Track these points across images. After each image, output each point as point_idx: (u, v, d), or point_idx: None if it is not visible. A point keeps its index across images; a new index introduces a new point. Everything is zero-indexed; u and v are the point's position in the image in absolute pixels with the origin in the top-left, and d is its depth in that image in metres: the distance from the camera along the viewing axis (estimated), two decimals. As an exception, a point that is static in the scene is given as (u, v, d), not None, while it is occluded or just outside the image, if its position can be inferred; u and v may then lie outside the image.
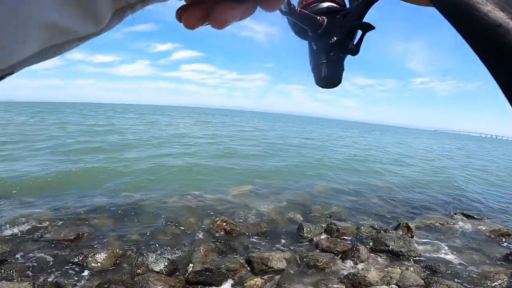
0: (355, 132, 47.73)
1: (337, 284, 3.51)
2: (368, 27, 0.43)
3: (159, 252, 3.78)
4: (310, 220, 5.41)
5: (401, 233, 5.02)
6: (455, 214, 6.56)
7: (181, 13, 0.30)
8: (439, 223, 5.83)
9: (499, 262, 4.39)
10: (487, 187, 10.44)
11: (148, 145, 12.40)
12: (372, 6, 0.43)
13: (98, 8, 0.25)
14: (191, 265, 3.44)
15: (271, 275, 3.48)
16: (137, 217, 4.94)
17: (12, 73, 0.25)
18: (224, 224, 4.51)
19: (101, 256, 3.57)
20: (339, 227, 4.95)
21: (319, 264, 3.81)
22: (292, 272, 3.70)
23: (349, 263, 3.98)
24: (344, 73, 0.47)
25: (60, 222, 4.51)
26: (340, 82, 0.46)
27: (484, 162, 19.81)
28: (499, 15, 0.22)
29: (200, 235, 4.41)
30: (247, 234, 4.57)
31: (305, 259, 3.93)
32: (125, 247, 3.93)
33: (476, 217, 6.34)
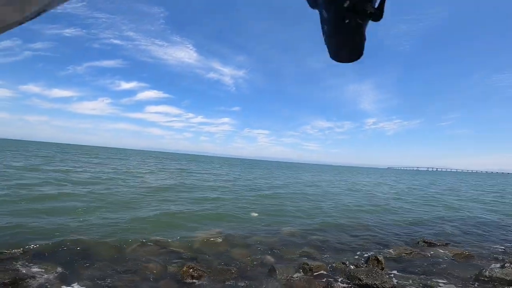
0: (320, 174, 49.45)
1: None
2: None
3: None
4: (281, 261, 5.18)
5: (371, 266, 5.00)
6: (417, 242, 6.80)
7: None
8: (405, 253, 5.95)
9: (471, 284, 4.52)
10: (440, 214, 11.16)
11: (101, 187, 11.37)
12: None
13: None
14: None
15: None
16: (90, 264, 4.31)
17: None
18: (191, 270, 4.08)
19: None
20: (312, 266, 4.80)
21: (295, 306, 3.55)
22: (267, 318, 3.38)
23: (326, 301, 3.77)
24: (365, 44, 0.38)
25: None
26: (361, 54, 0.38)
27: (434, 191, 21.48)
28: None
29: (164, 283, 3.91)
30: (216, 279, 4.17)
31: (280, 302, 3.65)
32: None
33: (438, 244, 6.63)
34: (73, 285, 3.67)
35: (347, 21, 0.36)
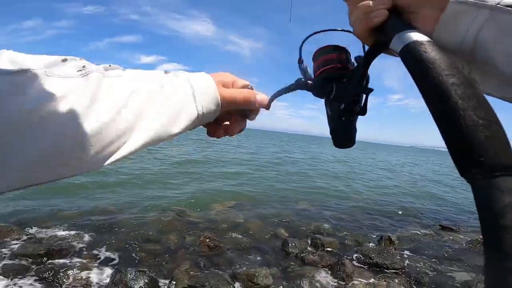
0: (342, 150, 48.68)
1: (324, 299, 3.44)
2: (369, 91, 0.46)
3: (138, 269, 3.57)
4: (295, 235, 5.35)
5: (383, 245, 5.08)
6: (433, 226, 6.74)
7: (211, 132, 0.52)
8: (419, 235, 5.95)
9: (480, 271, 4.51)
10: (458, 199, 10.87)
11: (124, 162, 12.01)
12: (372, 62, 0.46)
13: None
14: (173, 282, 3.27)
15: (257, 292, 3.38)
16: (114, 233, 4.70)
17: None
18: (208, 240, 4.36)
19: (73, 272, 3.35)
20: (324, 241, 4.93)
21: (305, 279, 3.75)
22: (278, 288, 3.61)
23: (336, 277, 3.94)
24: (356, 135, 0.49)
25: (28, 236, 4.23)
26: (353, 143, 0.49)
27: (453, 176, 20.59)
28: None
29: (182, 252, 4.22)
30: (231, 250, 4.44)
31: (291, 274, 3.85)
32: (100, 264, 3.72)
33: (454, 228, 6.54)
34: (102, 252, 4.04)
35: (343, 118, 0.47)
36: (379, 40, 0.40)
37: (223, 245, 4.46)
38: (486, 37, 0.32)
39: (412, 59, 0.31)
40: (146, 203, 6.53)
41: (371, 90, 0.46)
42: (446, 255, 5.04)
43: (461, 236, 6.10)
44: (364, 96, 0.47)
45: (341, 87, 0.46)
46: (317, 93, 0.50)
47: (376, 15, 0.37)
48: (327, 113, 0.50)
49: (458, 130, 0.26)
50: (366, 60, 0.44)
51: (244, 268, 3.84)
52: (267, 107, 0.53)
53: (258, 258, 4.30)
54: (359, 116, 0.49)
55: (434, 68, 0.29)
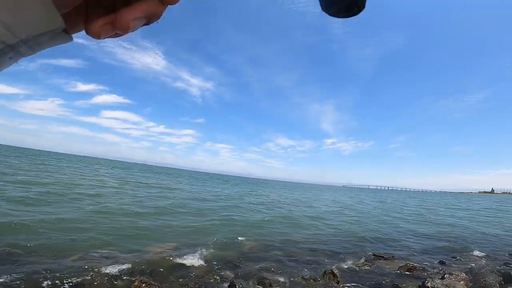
0: (281, 191, 50.13)
1: None
2: None
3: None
4: (242, 276, 5.09)
5: (328, 280, 5.14)
6: (367, 255, 7.18)
7: (86, 25, 0.28)
8: (358, 266, 6.25)
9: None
10: (387, 229, 11.95)
11: (43, 198, 10.18)
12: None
13: None
14: None
15: None
16: (26, 278, 3.82)
17: None
18: (143, 285, 3.79)
19: None
20: (271, 280, 4.80)
21: (254, 321, 3.49)
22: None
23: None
24: None
25: None
26: (362, 6, 0.32)
27: (381, 208, 22.97)
28: None
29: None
30: (172, 295, 3.93)
31: (239, 317, 3.55)
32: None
33: (385, 257, 7.08)
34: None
35: None
36: None
37: (163, 290, 3.92)
38: None
39: None
40: (66, 243, 5.49)
41: None
42: (383, 282, 5.33)
43: (392, 263, 6.62)
44: None
45: None
46: None
47: None
48: None
49: None
50: None
51: (187, 315, 3.41)
52: None
53: (203, 303, 3.88)
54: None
55: None
